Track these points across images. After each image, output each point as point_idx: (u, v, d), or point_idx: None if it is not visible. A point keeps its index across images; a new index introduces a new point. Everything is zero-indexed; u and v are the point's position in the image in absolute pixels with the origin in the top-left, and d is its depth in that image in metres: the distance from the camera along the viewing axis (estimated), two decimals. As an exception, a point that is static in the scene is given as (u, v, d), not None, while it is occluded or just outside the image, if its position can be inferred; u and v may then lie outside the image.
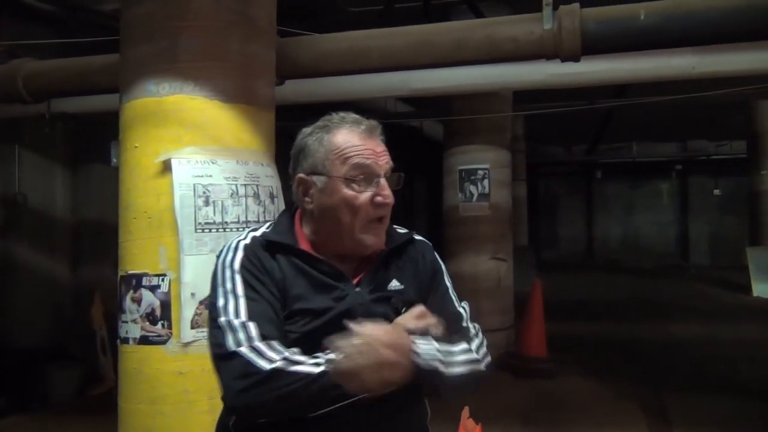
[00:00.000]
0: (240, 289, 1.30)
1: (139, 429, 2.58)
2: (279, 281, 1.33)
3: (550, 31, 3.24)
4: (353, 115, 1.42)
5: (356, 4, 5.71)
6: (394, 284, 1.41)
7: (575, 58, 3.31)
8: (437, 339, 1.28)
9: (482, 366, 1.36)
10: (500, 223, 6.66)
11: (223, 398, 1.26)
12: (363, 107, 8.42)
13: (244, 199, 2.61)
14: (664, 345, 7.23)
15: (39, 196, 6.11)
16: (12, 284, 5.86)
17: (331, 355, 1.18)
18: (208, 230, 2.54)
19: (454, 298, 1.49)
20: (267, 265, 1.34)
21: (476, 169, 6.49)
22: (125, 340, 2.59)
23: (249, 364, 1.21)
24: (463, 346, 1.33)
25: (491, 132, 6.58)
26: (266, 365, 1.20)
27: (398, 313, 1.35)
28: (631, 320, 8.73)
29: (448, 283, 1.51)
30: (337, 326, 1.24)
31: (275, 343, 1.24)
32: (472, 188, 6.50)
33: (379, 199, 1.35)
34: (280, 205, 2.80)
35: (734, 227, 16.05)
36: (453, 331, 1.39)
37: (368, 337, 1.17)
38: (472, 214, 6.53)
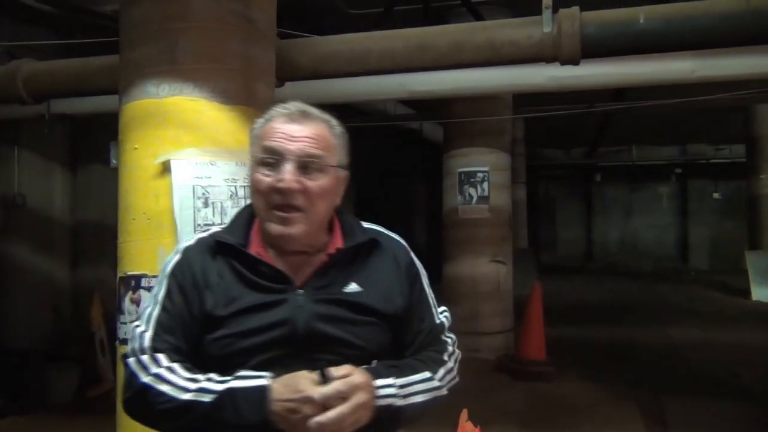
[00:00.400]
0: (161, 295, 1.30)
1: (137, 430, 2.57)
2: (214, 286, 1.28)
3: (550, 34, 3.25)
4: (295, 103, 1.34)
5: (356, 7, 5.72)
6: (353, 287, 1.32)
7: (575, 62, 3.32)
8: (394, 373, 1.26)
9: (444, 391, 1.34)
10: (500, 226, 6.67)
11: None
12: (362, 109, 8.49)
13: (243, 200, 2.60)
14: (663, 348, 7.23)
15: (38, 196, 6.11)
16: (11, 285, 5.86)
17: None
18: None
19: (433, 306, 1.44)
20: (199, 270, 1.30)
21: (476, 172, 6.50)
22: (124, 341, 2.59)
23: (131, 374, 1.23)
24: (425, 374, 1.31)
25: (491, 135, 6.58)
26: (142, 378, 1.21)
27: (353, 321, 1.29)
28: (630, 324, 8.73)
29: (428, 290, 1.44)
30: (270, 333, 1.24)
31: (161, 356, 1.23)
32: (472, 191, 6.50)
33: (278, 185, 1.25)
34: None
35: (733, 231, 16.05)
36: (433, 344, 1.39)
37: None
38: (472, 216, 6.53)
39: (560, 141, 14.92)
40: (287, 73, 3.54)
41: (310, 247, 1.32)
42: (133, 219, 2.58)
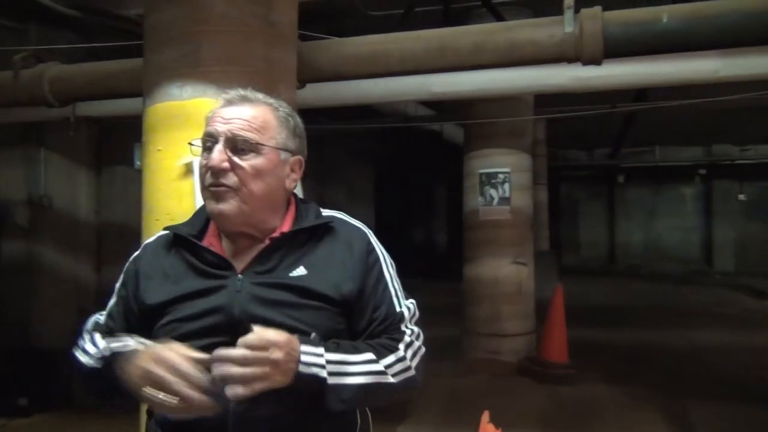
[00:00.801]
0: (117, 286, 1.46)
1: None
2: (159, 276, 1.36)
3: (572, 34, 3.23)
4: (240, 89, 1.38)
5: (376, 8, 5.73)
6: (298, 272, 1.31)
7: (597, 62, 3.29)
8: (331, 348, 1.23)
9: (390, 378, 1.28)
10: (521, 228, 6.63)
11: None
12: (383, 110, 8.48)
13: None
14: (687, 352, 7.14)
15: (64, 198, 6.20)
16: (37, 285, 5.95)
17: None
18: (229, 232, 2.55)
19: (395, 294, 1.39)
20: (147, 262, 1.40)
21: (497, 173, 6.47)
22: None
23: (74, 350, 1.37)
24: (368, 356, 1.27)
25: (512, 135, 6.55)
26: (74, 351, 1.37)
27: (295, 305, 1.28)
28: (654, 326, 8.63)
29: (389, 278, 1.40)
30: (206, 320, 1.28)
31: (95, 335, 1.36)
32: (493, 192, 6.47)
33: (208, 163, 1.29)
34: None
35: (760, 233, 15.79)
36: (389, 333, 1.35)
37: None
38: (493, 218, 6.51)
39: (582, 142, 14.79)
40: (308, 74, 3.56)
41: (257, 231, 1.34)
42: (157, 220, 2.61)
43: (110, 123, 6.18)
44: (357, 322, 1.35)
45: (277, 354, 1.13)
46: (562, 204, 17.29)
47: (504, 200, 6.47)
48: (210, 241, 1.36)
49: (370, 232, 1.43)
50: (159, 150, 2.62)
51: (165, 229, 1.43)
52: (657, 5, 3.24)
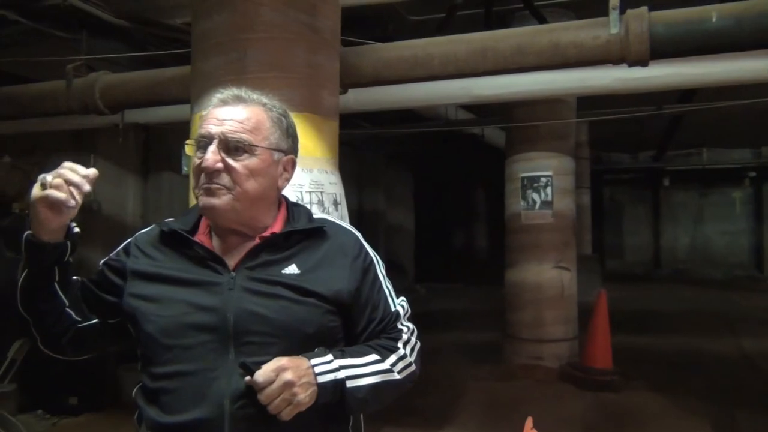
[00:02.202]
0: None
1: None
2: (146, 257, 1.38)
3: (617, 35, 3.19)
4: (234, 89, 1.39)
5: (417, 13, 5.74)
6: (291, 269, 1.34)
7: (643, 63, 3.25)
8: (338, 355, 1.29)
9: (396, 375, 1.35)
10: (564, 232, 6.55)
11: None
12: (423, 115, 8.47)
13: (308, 206, 2.65)
14: (736, 360, 6.94)
15: (112, 203, 6.37)
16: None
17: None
18: (273, 237, 2.59)
19: (389, 294, 1.43)
20: (137, 245, 1.41)
21: (539, 177, 6.40)
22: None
23: None
24: (373, 357, 1.33)
25: (554, 139, 6.48)
26: None
27: (287, 300, 1.30)
28: (701, 333, 8.40)
29: (383, 278, 1.44)
30: (198, 315, 1.28)
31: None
32: (535, 196, 6.41)
33: (201, 164, 1.31)
34: (344, 211, 2.84)
35: (812, 237, 15.29)
36: (387, 332, 1.40)
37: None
38: (535, 222, 6.44)
39: (626, 144, 14.52)
40: (350, 79, 3.59)
41: (248, 228, 1.36)
42: (203, 224, 2.66)
43: (157, 130, 6.33)
44: (356, 323, 1.39)
45: (287, 376, 1.19)
46: (605, 207, 17.00)
47: (546, 204, 6.40)
48: (200, 238, 1.37)
49: (360, 234, 1.47)
50: (206, 155, 2.66)
51: (159, 223, 1.43)
52: (705, 4, 3.18)
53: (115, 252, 1.46)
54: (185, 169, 3.35)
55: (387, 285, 1.45)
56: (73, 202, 1.25)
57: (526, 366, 6.30)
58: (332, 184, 2.81)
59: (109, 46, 5.30)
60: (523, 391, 5.70)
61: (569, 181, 6.65)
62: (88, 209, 6.15)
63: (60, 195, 1.23)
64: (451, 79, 4.00)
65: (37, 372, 5.25)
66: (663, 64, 3.90)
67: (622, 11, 3.23)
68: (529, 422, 3.17)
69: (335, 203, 2.81)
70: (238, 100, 1.36)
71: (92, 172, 1.27)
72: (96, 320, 1.41)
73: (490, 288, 9.81)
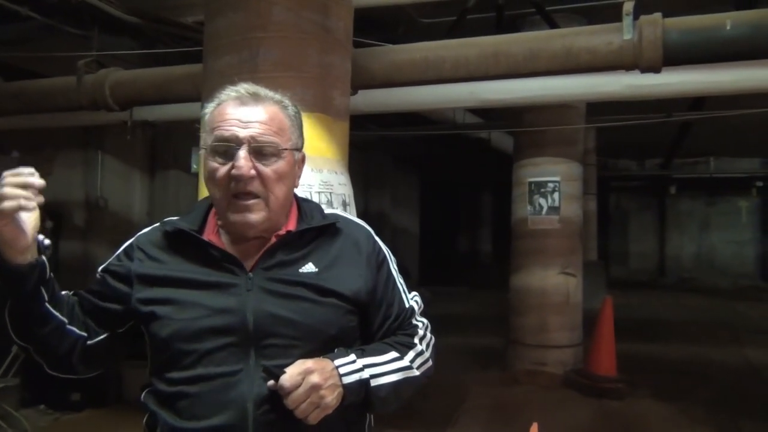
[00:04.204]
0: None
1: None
2: (152, 261, 1.31)
3: (630, 41, 3.17)
4: (245, 85, 1.30)
5: (428, 16, 5.73)
6: (308, 268, 1.30)
7: (656, 70, 3.23)
8: (359, 354, 1.27)
9: (415, 372, 1.34)
10: (570, 237, 6.53)
11: None
12: (430, 118, 8.44)
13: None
14: (741, 370, 6.90)
15: (119, 200, 6.38)
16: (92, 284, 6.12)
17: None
18: (282, 236, 2.58)
19: (402, 290, 1.42)
20: (140, 248, 1.33)
21: (546, 182, 6.38)
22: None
23: None
24: (393, 354, 1.32)
25: (562, 144, 6.46)
26: None
27: (306, 301, 1.27)
28: (706, 342, 8.36)
29: (396, 275, 1.42)
30: (218, 318, 1.23)
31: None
32: (542, 201, 6.39)
33: (233, 172, 1.22)
34: (352, 212, 2.83)
35: (819, 248, 15.20)
36: (403, 328, 1.39)
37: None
38: (542, 227, 6.42)
39: (634, 151, 14.48)
40: (361, 81, 3.58)
41: (267, 232, 1.32)
42: (212, 222, 2.65)
43: (165, 127, 6.33)
44: (372, 321, 1.37)
45: (314, 379, 1.17)
46: (611, 214, 16.96)
47: (553, 209, 6.38)
48: (210, 238, 1.32)
49: (371, 229, 1.44)
50: (216, 154, 2.66)
51: (163, 223, 1.36)
52: (720, 12, 3.16)
53: (114, 257, 1.37)
54: (194, 167, 3.34)
55: (400, 281, 1.43)
56: (32, 203, 1.13)
57: (530, 372, 6.27)
58: (341, 185, 2.80)
59: (120, 43, 5.31)
60: (527, 397, 5.68)
61: (577, 187, 6.62)
62: (95, 206, 6.16)
63: (12, 203, 1.10)
64: (462, 82, 3.99)
65: (39, 367, 5.25)
66: (674, 71, 3.88)
67: (636, 17, 3.21)
68: (534, 428, 3.15)
69: (344, 204, 2.80)
70: (256, 98, 1.29)
71: (31, 170, 1.15)
72: (105, 334, 1.34)
73: (494, 292, 9.79)
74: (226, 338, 1.23)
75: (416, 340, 1.38)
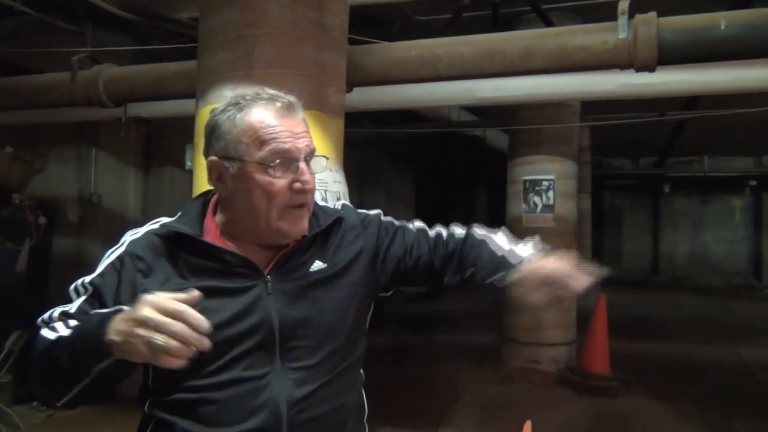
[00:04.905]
0: (90, 280, 1.26)
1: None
2: (159, 273, 1.23)
3: (625, 40, 3.18)
4: (270, 91, 1.28)
5: (423, 13, 5.72)
6: (317, 265, 1.31)
7: (650, 69, 3.24)
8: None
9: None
10: (565, 236, 6.53)
11: None
12: (426, 116, 8.44)
13: (313, 203, 2.65)
14: (733, 368, 6.93)
15: (113, 196, 6.35)
16: (85, 280, 6.09)
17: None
18: (277, 234, 2.58)
19: (406, 224, 1.49)
20: (140, 259, 1.24)
21: (541, 180, 6.39)
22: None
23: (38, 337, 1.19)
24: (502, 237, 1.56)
25: (557, 142, 6.47)
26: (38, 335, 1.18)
27: (329, 299, 1.30)
28: (699, 341, 8.40)
29: (390, 220, 1.48)
30: (242, 324, 1.22)
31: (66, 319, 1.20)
32: (537, 199, 6.40)
33: (297, 185, 1.23)
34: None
35: (811, 247, 15.27)
36: (440, 243, 1.46)
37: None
38: (536, 225, 6.42)
39: (628, 150, 14.52)
40: (356, 78, 3.58)
41: None
42: (206, 219, 2.65)
43: (159, 124, 6.31)
44: (423, 259, 1.44)
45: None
46: (605, 213, 17.00)
47: (548, 207, 6.39)
48: (214, 242, 1.29)
49: (351, 205, 1.50)
50: (211, 151, 2.65)
51: (163, 227, 1.30)
52: (714, 12, 3.17)
53: (104, 275, 1.25)
54: (188, 163, 3.33)
55: (397, 221, 1.49)
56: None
57: (524, 369, 6.29)
58: (336, 183, 2.80)
59: (115, 39, 5.29)
60: (520, 395, 5.69)
61: (571, 185, 6.64)
62: (89, 202, 6.14)
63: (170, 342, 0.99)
64: (458, 80, 3.99)
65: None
66: (668, 70, 3.89)
67: (631, 16, 3.22)
68: (527, 426, 3.16)
69: (338, 201, 2.80)
70: (290, 106, 1.27)
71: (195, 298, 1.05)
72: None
73: (489, 290, 9.79)
74: (251, 343, 1.23)
75: (456, 228, 1.52)
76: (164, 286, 1.19)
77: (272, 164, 1.22)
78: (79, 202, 6.19)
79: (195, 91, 2.85)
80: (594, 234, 12.31)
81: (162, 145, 6.62)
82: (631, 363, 6.54)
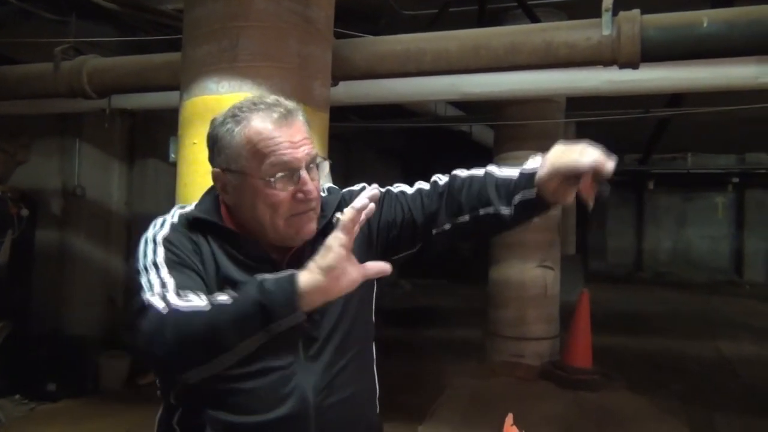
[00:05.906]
0: (161, 258, 1.24)
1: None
2: (207, 255, 1.28)
3: (609, 37, 3.20)
4: (267, 100, 1.28)
5: (410, 8, 5.73)
6: None
7: (634, 65, 3.26)
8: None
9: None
10: (548, 231, 6.58)
11: (140, 351, 1.18)
12: (412, 110, 8.44)
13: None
14: (714, 363, 7.02)
15: (97, 189, 6.31)
16: (69, 273, 6.06)
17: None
18: (261, 227, 2.57)
19: (396, 188, 1.47)
20: (193, 240, 1.29)
21: (526, 176, 6.42)
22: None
23: (151, 307, 1.16)
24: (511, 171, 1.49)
25: (542, 138, 6.49)
26: (167, 306, 1.15)
27: None
28: (681, 336, 8.50)
29: (377, 186, 1.42)
30: None
31: (189, 292, 1.18)
32: (521, 194, 6.43)
33: (300, 196, 1.25)
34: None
35: (792, 244, 15.46)
36: (434, 190, 1.44)
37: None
38: (520, 220, 6.46)
39: (612, 147, 14.40)
40: (342, 72, 3.58)
41: None
42: (190, 212, 2.64)
43: (143, 116, 6.27)
44: (413, 215, 1.41)
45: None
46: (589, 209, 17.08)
47: (532, 203, 6.42)
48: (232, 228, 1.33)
49: (340, 189, 1.48)
50: (195, 143, 2.64)
51: (194, 215, 1.33)
52: (697, 9, 3.19)
53: (176, 249, 1.27)
54: (173, 156, 3.32)
55: (386, 188, 1.47)
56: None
57: (508, 363, 6.33)
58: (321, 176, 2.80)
59: (99, 29, 5.24)
60: (504, 389, 5.73)
61: (556, 181, 6.66)
62: (72, 194, 6.09)
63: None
64: (443, 75, 3.99)
65: (16, 357, 5.20)
66: (652, 67, 3.92)
67: (615, 13, 3.24)
68: (509, 419, 3.18)
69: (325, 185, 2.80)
70: (291, 114, 1.27)
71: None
72: None
73: (474, 285, 9.84)
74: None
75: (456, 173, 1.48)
76: (205, 266, 1.26)
77: (273, 178, 1.23)
78: (62, 194, 6.14)
79: (180, 82, 2.84)
80: (578, 230, 12.38)
81: (147, 138, 6.59)
82: (614, 357, 6.61)
